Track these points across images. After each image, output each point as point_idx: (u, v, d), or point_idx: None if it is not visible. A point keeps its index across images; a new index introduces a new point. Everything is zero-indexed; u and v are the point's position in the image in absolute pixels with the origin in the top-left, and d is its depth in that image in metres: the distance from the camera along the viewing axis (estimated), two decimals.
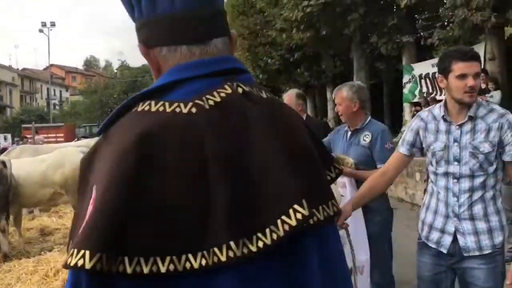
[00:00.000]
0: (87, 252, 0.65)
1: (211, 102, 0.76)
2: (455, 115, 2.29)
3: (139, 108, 0.78)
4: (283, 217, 0.70)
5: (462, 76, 2.17)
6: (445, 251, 2.32)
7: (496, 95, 9.33)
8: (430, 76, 12.02)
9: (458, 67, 2.18)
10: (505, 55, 10.11)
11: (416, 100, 12.32)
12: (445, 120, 2.31)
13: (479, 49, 10.66)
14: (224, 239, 0.69)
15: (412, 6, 10.21)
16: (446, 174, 2.30)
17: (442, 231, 2.33)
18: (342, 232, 2.50)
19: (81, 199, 0.78)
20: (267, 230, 0.70)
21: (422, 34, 10.67)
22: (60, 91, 56.59)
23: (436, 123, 2.35)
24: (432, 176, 2.42)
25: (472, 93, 2.18)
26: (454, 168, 2.27)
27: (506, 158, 2.22)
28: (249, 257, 0.69)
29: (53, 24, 42.92)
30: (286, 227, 0.69)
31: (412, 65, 12.80)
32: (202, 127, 0.74)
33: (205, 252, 0.68)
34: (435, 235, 2.36)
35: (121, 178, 0.69)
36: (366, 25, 12.93)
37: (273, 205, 0.71)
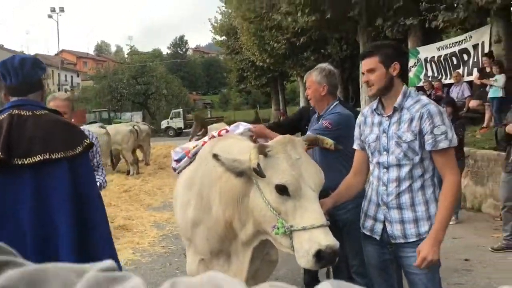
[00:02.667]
0: None
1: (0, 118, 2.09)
2: (385, 107, 2.40)
3: None
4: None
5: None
6: (378, 238, 2.39)
7: (500, 78, 9.17)
8: (436, 59, 11.83)
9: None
10: (511, 37, 9.88)
11: (421, 84, 12.14)
12: (377, 113, 2.41)
13: (485, 31, 10.44)
14: (26, 157, 2.02)
15: None
16: (378, 164, 2.37)
17: (374, 218, 2.40)
18: None
19: None
20: (35, 158, 2.03)
21: (427, 16, 10.44)
22: (72, 76, 56.77)
23: (372, 116, 2.46)
24: (370, 167, 2.48)
25: (369, 87, 2.35)
26: (383, 158, 2.34)
27: (426, 147, 2.24)
28: (32, 165, 2.01)
29: (62, 10, 43.14)
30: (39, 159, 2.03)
31: (417, 48, 12.59)
32: None
33: (27, 158, 2.02)
34: (369, 223, 2.44)
35: None
36: (372, 8, 12.72)
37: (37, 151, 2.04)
